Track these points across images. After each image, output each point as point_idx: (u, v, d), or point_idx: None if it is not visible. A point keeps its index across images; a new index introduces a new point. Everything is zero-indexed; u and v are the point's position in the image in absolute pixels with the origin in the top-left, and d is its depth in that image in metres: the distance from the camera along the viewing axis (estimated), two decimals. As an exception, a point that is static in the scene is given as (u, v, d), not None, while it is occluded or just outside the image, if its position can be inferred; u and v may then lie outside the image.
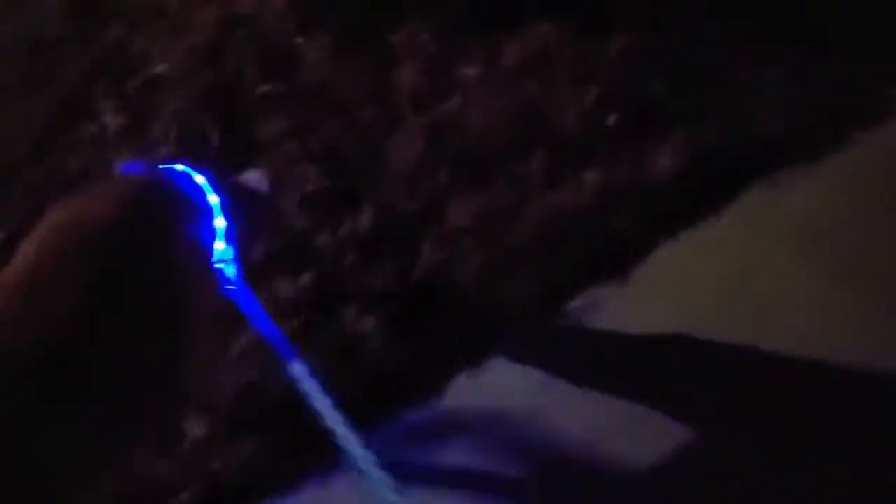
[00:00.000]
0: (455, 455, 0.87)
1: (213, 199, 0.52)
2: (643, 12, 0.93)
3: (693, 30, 0.89)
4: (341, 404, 0.44)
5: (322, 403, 0.45)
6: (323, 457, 0.68)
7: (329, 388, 0.45)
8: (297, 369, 0.47)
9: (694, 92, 0.85)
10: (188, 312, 0.46)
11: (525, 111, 0.83)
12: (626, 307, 0.83)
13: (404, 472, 0.42)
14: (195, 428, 0.70)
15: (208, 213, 0.52)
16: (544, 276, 0.74)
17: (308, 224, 0.75)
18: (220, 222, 0.52)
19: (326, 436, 0.43)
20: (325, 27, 0.91)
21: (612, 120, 0.82)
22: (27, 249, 0.41)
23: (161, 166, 0.54)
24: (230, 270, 0.52)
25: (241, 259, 0.52)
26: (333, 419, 0.45)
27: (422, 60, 0.88)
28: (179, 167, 0.53)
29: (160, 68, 0.93)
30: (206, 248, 0.51)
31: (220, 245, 0.52)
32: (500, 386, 0.78)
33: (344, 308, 0.71)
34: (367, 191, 0.77)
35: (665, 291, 0.85)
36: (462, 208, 0.76)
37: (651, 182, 0.77)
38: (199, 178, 0.52)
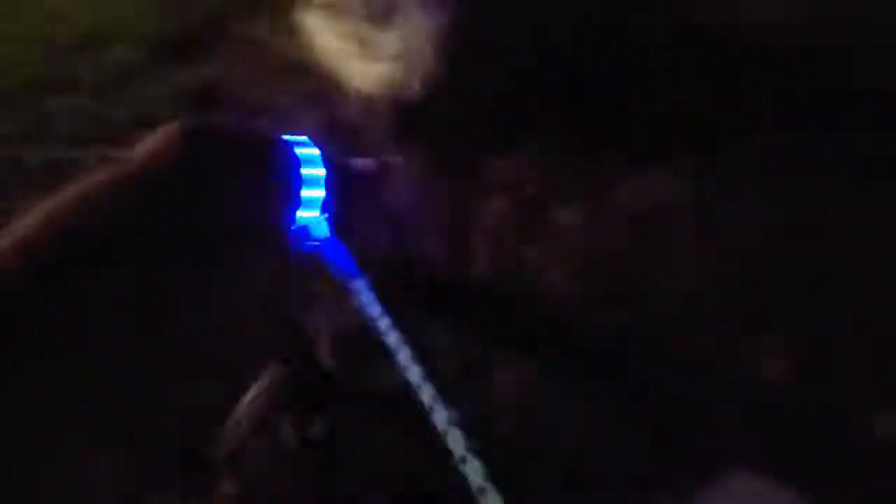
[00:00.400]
0: None
1: (320, 171, 0.57)
2: (792, 172, 0.80)
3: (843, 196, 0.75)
4: None
5: (401, 351, 0.51)
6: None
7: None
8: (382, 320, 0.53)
9: (829, 270, 0.70)
10: (223, 263, 0.48)
11: (617, 269, 0.72)
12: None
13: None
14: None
15: (298, 181, 0.56)
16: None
17: (332, 367, 0.67)
18: (318, 192, 0.57)
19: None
20: (420, 142, 0.85)
21: (717, 296, 0.69)
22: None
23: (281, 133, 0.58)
24: (321, 229, 0.58)
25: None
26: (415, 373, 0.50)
27: (514, 196, 0.80)
28: (296, 137, 0.58)
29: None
30: (281, 217, 0.55)
31: (311, 213, 0.58)
32: None
33: (345, 480, 0.62)
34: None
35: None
36: (509, 377, 0.65)
37: (754, 386, 0.63)
38: (312, 151, 0.57)
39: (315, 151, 0.58)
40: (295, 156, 0.57)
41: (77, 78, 1.04)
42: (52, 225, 0.40)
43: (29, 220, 0.40)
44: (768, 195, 0.78)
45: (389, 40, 0.92)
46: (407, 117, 0.89)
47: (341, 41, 0.99)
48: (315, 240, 0.58)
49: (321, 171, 0.57)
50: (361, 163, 0.71)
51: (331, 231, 0.59)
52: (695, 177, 0.80)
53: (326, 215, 0.58)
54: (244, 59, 1.10)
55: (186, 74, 1.05)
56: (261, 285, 0.53)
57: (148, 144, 0.48)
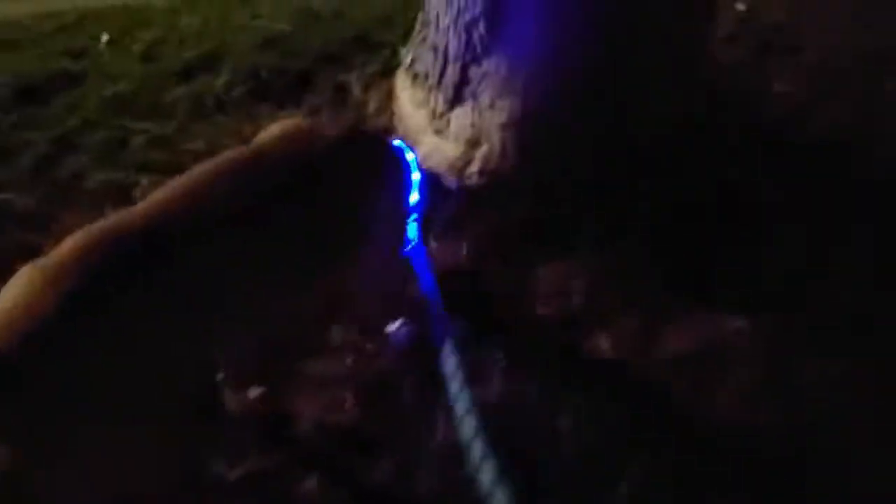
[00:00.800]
0: None
1: (416, 175, 0.64)
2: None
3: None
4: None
5: (453, 372, 0.49)
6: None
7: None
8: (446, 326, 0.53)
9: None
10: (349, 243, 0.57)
11: (659, 411, 0.64)
12: None
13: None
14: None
15: (409, 183, 0.64)
16: None
17: (315, 454, 0.62)
18: (414, 195, 0.64)
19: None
20: (474, 230, 0.81)
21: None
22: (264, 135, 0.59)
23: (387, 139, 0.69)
24: (412, 232, 0.63)
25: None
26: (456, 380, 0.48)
27: (560, 305, 0.73)
28: (398, 142, 0.67)
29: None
30: (401, 208, 0.63)
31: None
32: None
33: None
34: (396, 445, 0.63)
35: None
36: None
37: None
38: (410, 155, 0.65)
39: (411, 156, 0.65)
40: (404, 156, 0.64)
41: (164, 104, 1.04)
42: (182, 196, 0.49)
43: (159, 194, 0.49)
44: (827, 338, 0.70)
45: (460, 121, 0.88)
46: (465, 201, 0.83)
47: (418, 109, 0.95)
48: (409, 241, 0.63)
49: (417, 175, 0.64)
50: (447, 179, 0.76)
51: (418, 235, 0.63)
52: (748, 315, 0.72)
53: (416, 217, 0.64)
54: (328, 106, 1.08)
55: (268, 112, 1.04)
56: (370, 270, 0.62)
57: (268, 133, 0.58)
